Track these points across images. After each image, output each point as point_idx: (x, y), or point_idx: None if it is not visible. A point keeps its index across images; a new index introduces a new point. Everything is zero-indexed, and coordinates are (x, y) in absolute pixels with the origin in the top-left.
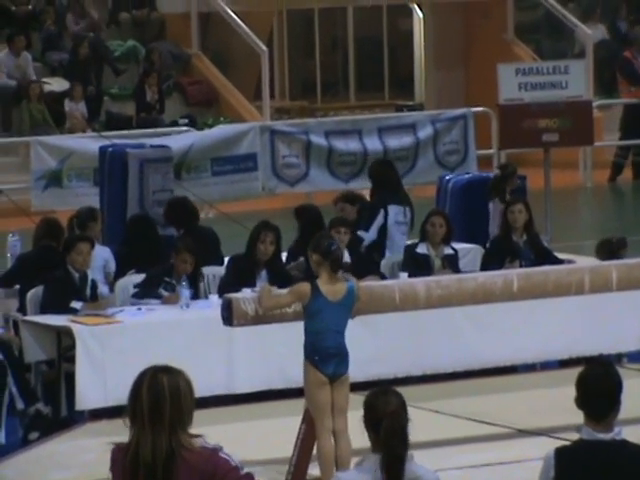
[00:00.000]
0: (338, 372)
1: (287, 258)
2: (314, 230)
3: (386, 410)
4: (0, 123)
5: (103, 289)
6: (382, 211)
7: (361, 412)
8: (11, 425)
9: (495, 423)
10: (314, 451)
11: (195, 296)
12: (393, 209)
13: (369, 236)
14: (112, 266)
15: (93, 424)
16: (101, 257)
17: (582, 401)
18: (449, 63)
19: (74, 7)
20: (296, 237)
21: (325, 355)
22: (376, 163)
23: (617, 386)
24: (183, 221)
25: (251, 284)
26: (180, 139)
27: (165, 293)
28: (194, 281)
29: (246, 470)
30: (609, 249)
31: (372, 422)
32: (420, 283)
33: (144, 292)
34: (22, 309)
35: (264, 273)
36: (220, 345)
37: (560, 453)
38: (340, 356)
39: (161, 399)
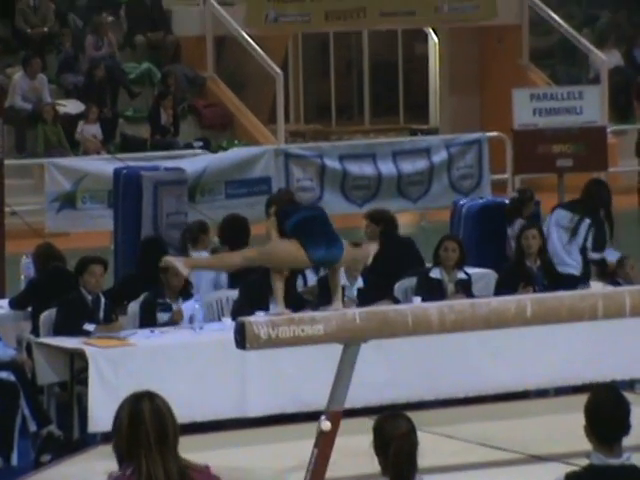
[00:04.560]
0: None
1: None
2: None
3: (395, 433)
4: (14, 145)
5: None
6: (550, 215)
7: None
8: (23, 447)
9: (507, 448)
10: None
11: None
12: (560, 213)
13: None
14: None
15: (105, 447)
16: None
17: (591, 427)
18: (464, 88)
19: (97, 31)
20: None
21: None
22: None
23: (625, 410)
24: (236, 239)
25: (265, 307)
26: (194, 162)
27: (164, 317)
28: (186, 294)
29: None
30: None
31: (381, 445)
32: (433, 308)
33: (143, 324)
34: (35, 331)
35: None
36: (233, 368)
37: (570, 478)
38: None
39: (165, 421)
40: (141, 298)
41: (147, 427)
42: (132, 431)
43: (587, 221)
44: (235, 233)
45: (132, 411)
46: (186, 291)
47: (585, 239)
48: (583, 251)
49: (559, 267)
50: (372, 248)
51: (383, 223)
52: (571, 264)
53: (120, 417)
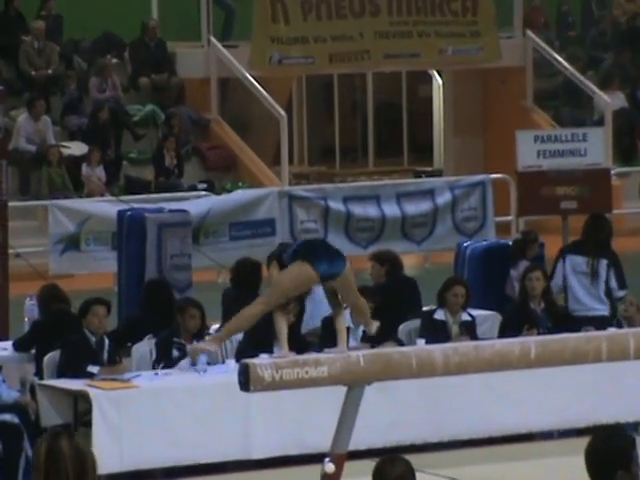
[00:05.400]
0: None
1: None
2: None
3: (393, 475)
4: (18, 187)
5: None
6: (561, 261)
7: None
8: None
9: None
10: None
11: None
12: (573, 259)
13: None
14: None
15: None
16: None
17: (589, 471)
18: (468, 129)
19: (101, 73)
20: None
21: None
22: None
23: (626, 452)
24: (248, 282)
25: (269, 350)
26: (198, 204)
27: (177, 354)
28: (200, 337)
29: None
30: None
31: None
32: (437, 350)
33: (159, 361)
34: (39, 373)
35: None
36: (237, 410)
37: None
38: None
39: (85, 459)
40: (145, 340)
41: (67, 465)
42: (51, 468)
43: (604, 261)
44: (247, 277)
45: (50, 448)
46: (201, 334)
47: (607, 280)
48: (608, 292)
49: (586, 313)
50: (374, 326)
51: (388, 263)
52: (600, 308)
53: (38, 454)
